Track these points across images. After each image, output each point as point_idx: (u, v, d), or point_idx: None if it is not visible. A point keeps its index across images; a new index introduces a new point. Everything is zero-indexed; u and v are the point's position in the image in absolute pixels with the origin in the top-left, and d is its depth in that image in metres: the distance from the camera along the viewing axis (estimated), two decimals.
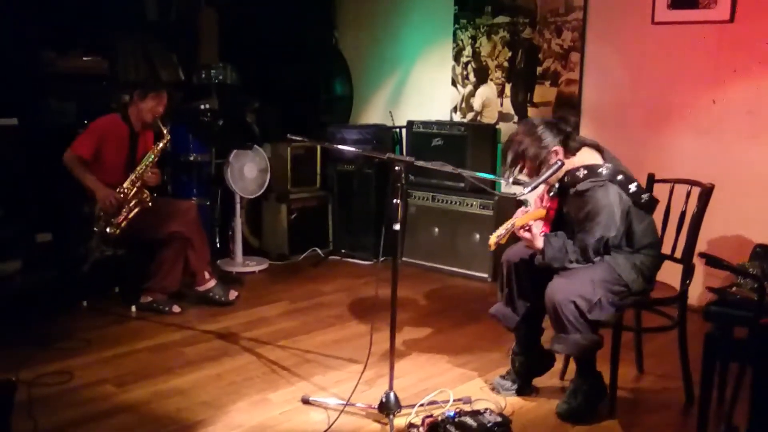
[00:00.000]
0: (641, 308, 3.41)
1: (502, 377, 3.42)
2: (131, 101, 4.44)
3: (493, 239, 3.13)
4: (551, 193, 3.19)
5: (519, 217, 3.17)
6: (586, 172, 3.08)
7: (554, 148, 3.08)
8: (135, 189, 4.30)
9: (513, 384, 3.36)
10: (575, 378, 3.15)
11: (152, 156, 4.37)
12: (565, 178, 3.13)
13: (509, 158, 3.13)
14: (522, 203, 5.16)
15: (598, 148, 3.20)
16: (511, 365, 3.41)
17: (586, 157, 3.14)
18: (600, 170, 3.07)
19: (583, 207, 3.04)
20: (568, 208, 3.15)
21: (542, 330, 3.38)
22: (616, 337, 3.16)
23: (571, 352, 3.06)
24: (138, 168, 4.34)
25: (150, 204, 4.29)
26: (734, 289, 2.97)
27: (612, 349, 3.15)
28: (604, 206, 3.01)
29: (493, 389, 3.40)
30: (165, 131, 4.38)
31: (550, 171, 3.05)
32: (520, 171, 3.13)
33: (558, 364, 3.49)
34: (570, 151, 3.12)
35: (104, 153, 4.33)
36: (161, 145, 4.39)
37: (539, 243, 3.06)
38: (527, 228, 3.09)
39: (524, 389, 3.36)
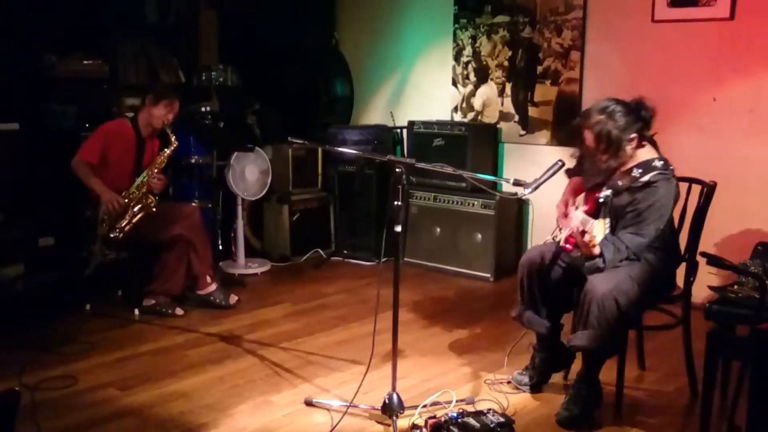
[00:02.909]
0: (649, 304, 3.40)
1: (520, 373, 3.44)
2: (142, 105, 4.45)
3: (562, 242, 3.12)
4: (601, 199, 3.10)
5: (575, 220, 3.01)
6: (641, 170, 3.02)
7: (632, 136, 3.01)
8: (140, 194, 4.32)
9: (531, 379, 3.39)
10: (577, 382, 3.14)
11: (159, 162, 4.38)
12: (620, 182, 3.06)
13: (590, 138, 3.01)
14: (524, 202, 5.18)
15: (653, 142, 3.15)
16: (531, 361, 3.44)
17: (644, 152, 3.08)
18: (655, 163, 3.02)
19: (647, 199, 2.97)
20: (621, 203, 3.06)
21: (562, 326, 3.39)
22: (624, 335, 3.15)
23: (593, 347, 2.99)
24: (144, 173, 4.36)
25: (154, 210, 4.30)
26: (735, 287, 2.98)
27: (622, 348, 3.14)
28: (668, 200, 2.99)
29: (509, 383, 3.43)
30: (173, 138, 4.39)
31: (551, 172, 3.05)
32: (592, 151, 3.03)
33: None
34: (642, 142, 3.04)
35: (110, 157, 4.34)
36: (168, 152, 4.41)
37: (596, 250, 2.92)
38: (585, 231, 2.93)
39: (541, 385, 3.39)
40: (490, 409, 3.00)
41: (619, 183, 3.07)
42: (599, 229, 2.84)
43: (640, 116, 3.04)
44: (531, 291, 3.31)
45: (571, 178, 3.40)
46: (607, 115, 3.01)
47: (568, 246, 3.08)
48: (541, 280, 3.28)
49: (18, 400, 2.36)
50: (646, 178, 3.00)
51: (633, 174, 3.03)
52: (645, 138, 3.07)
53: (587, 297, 2.98)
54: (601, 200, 3.11)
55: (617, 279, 2.96)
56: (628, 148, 3.02)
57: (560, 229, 3.27)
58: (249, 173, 5.39)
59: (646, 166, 3.03)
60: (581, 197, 3.32)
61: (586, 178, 3.27)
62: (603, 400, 3.15)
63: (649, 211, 2.98)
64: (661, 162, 3.04)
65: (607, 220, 2.89)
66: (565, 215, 3.25)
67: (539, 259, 3.29)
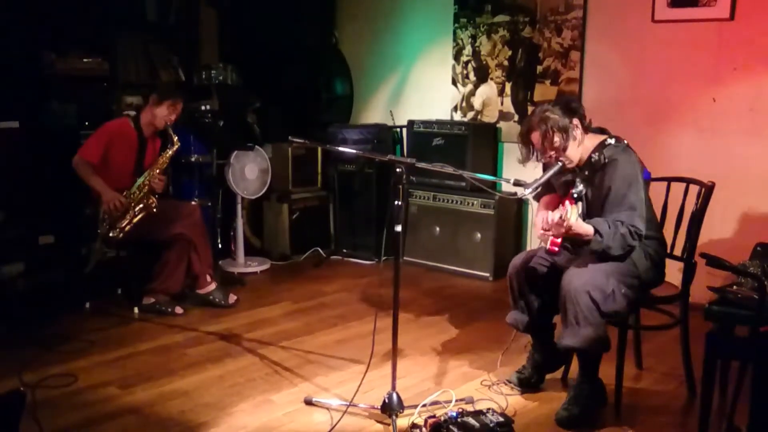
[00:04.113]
0: (643, 306, 3.41)
1: (518, 372, 3.45)
2: (145, 104, 4.45)
3: (549, 246, 3.13)
4: (575, 194, 3.14)
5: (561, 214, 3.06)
6: (597, 152, 3.10)
7: (575, 122, 3.09)
8: (141, 194, 4.32)
9: (529, 379, 3.40)
10: (577, 382, 3.14)
11: (161, 162, 4.38)
12: (585, 172, 3.13)
13: (538, 138, 3.09)
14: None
15: (602, 131, 3.23)
16: (528, 360, 3.45)
17: (595, 138, 3.17)
18: (607, 141, 3.12)
19: (613, 175, 3.03)
20: (597, 192, 3.11)
21: (554, 326, 3.41)
22: (622, 335, 3.16)
23: (580, 346, 3.01)
24: (146, 173, 4.36)
25: (155, 210, 4.30)
26: (735, 288, 2.98)
27: (618, 346, 3.15)
28: (632, 167, 3.04)
29: (506, 383, 3.44)
30: (175, 139, 4.40)
31: (552, 171, 3.06)
32: (545, 149, 3.09)
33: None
34: (584, 127, 3.14)
35: (112, 157, 4.34)
36: (170, 152, 4.41)
37: (590, 229, 2.96)
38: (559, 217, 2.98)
39: (539, 383, 3.41)
40: (489, 409, 3.00)
41: (585, 173, 3.14)
42: (572, 211, 2.90)
43: (570, 107, 3.13)
44: (520, 295, 3.34)
45: (540, 199, 3.44)
46: (542, 112, 3.11)
47: (555, 249, 3.10)
48: (528, 285, 3.30)
49: (23, 400, 2.37)
50: (607, 152, 3.08)
51: (593, 160, 3.11)
52: (586, 125, 3.15)
53: (562, 293, 3.01)
54: (575, 195, 3.15)
55: (590, 273, 2.98)
56: (577, 132, 3.09)
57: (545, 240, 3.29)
58: (249, 172, 5.39)
59: (600, 147, 3.12)
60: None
61: (558, 187, 3.31)
62: (606, 401, 3.15)
63: (622, 185, 3.02)
64: (613, 139, 3.14)
65: (579, 204, 2.98)
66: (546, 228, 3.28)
67: (524, 264, 3.32)
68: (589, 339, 2.97)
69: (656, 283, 3.25)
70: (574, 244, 3.15)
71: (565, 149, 3.08)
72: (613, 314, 3.02)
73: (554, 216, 2.95)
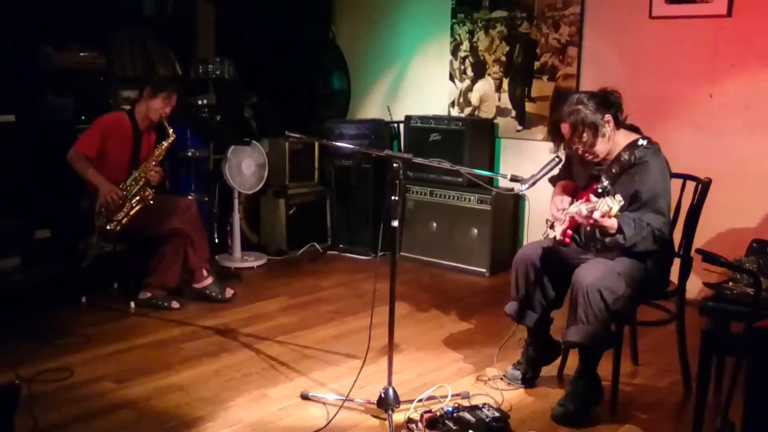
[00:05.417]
0: (640, 302, 3.41)
1: (513, 368, 3.46)
2: (140, 97, 4.45)
3: (559, 235, 3.14)
4: (600, 189, 3.12)
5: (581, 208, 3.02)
6: (628, 152, 3.08)
7: (607, 117, 3.06)
8: (138, 187, 4.32)
9: (524, 374, 3.41)
10: (575, 378, 3.14)
11: (156, 154, 4.38)
12: (613, 169, 3.11)
13: (568, 130, 3.06)
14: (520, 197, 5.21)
15: (634, 129, 3.20)
16: (523, 355, 3.46)
17: (626, 136, 3.14)
18: (639, 142, 3.09)
19: (644, 177, 3.01)
20: (622, 191, 3.05)
21: (552, 320, 3.41)
22: (618, 330, 3.16)
23: (585, 342, 3.01)
24: (142, 166, 4.36)
25: (152, 202, 4.30)
26: (730, 284, 2.99)
27: (615, 342, 3.15)
28: (663, 172, 3.03)
29: (502, 379, 3.45)
30: (170, 131, 4.40)
31: (549, 167, 3.06)
32: (573, 142, 3.07)
33: (557, 361, 3.52)
34: (617, 124, 3.11)
35: (108, 150, 4.33)
36: (166, 144, 4.41)
37: (614, 223, 2.90)
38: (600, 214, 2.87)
39: (534, 379, 3.42)
40: (485, 404, 3.01)
41: (613, 171, 3.12)
42: (612, 202, 2.80)
43: (608, 100, 3.11)
44: (525, 287, 3.33)
45: (556, 184, 3.42)
46: (576, 103, 3.08)
47: (566, 240, 3.10)
48: (535, 277, 3.30)
49: (18, 393, 2.37)
50: (638, 154, 3.06)
51: (622, 159, 3.09)
52: (619, 120, 3.13)
53: (574, 288, 3.01)
54: (600, 190, 3.12)
55: (603, 271, 2.97)
56: (607, 129, 3.07)
57: (553, 228, 3.28)
58: (246, 167, 5.39)
59: (632, 146, 3.10)
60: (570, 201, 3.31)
61: (578, 178, 3.30)
62: (602, 398, 3.15)
63: (654, 188, 3.00)
64: (645, 140, 3.12)
65: (618, 196, 2.86)
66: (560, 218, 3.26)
67: (534, 255, 3.31)
68: (594, 335, 2.98)
69: (662, 287, 3.25)
70: (590, 239, 3.11)
71: (592, 145, 3.07)
72: (619, 314, 3.04)
73: (584, 210, 2.90)
